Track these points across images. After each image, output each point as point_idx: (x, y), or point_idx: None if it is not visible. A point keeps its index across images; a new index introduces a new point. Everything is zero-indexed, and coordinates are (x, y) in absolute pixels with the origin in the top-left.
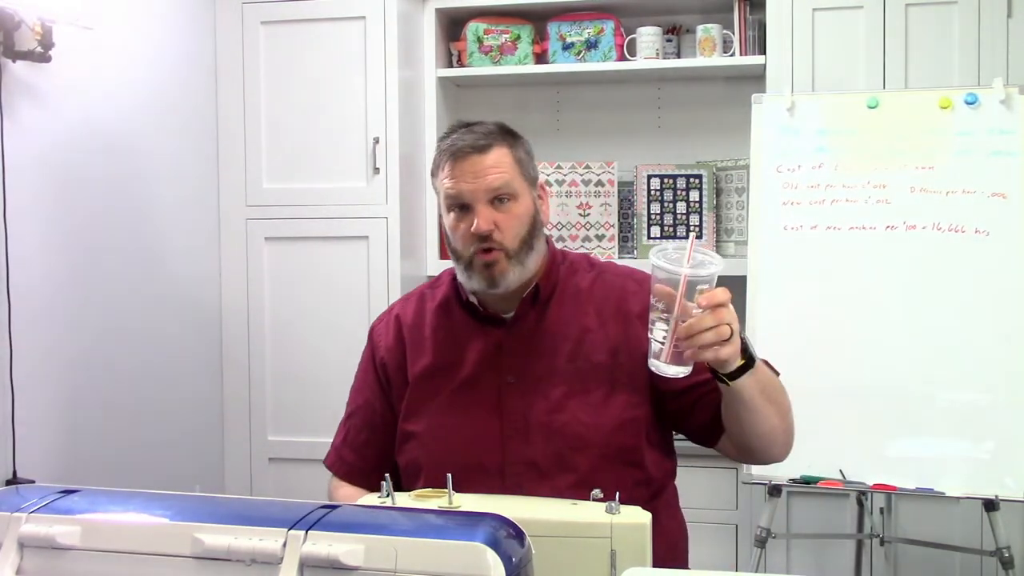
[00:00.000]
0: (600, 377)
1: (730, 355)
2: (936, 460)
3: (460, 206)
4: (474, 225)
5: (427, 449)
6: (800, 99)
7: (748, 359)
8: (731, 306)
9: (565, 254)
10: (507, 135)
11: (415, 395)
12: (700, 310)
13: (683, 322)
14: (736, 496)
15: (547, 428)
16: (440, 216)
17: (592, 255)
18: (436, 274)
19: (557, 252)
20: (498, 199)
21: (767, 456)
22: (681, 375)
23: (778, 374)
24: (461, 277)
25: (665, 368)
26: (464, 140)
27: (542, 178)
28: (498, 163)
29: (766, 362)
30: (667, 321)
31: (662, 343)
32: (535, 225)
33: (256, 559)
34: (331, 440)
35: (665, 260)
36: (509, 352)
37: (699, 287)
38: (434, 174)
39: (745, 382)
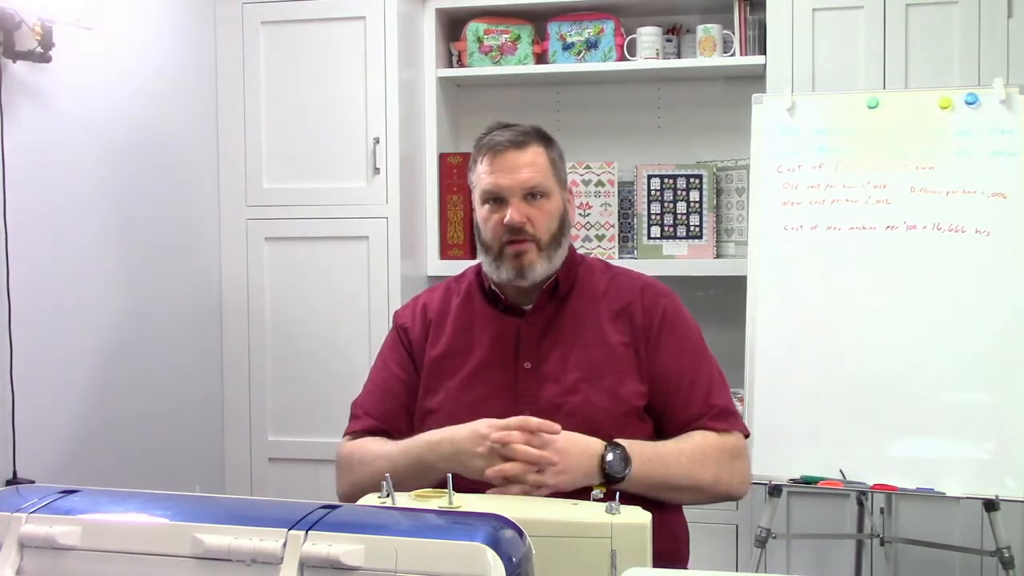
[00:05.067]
0: (612, 364)
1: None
2: (936, 460)
3: (495, 199)
4: (507, 216)
5: (444, 425)
6: (800, 99)
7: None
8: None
9: (583, 257)
10: (543, 136)
11: (433, 374)
12: None
13: None
14: None
15: (560, 409)
16: (472, 210)
17: (607, 259)
18: (436, 274)
19: (576, 254)
20: (531, 195)
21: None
22: None
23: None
24: (488, 268)
25: None
26: (503, 136)
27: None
28: (534, 161)
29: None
30: None
31: None
32: (564, 223)
33: (256, 559)
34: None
35: None
36: (527, 340)
37: None
38: (471, 168)
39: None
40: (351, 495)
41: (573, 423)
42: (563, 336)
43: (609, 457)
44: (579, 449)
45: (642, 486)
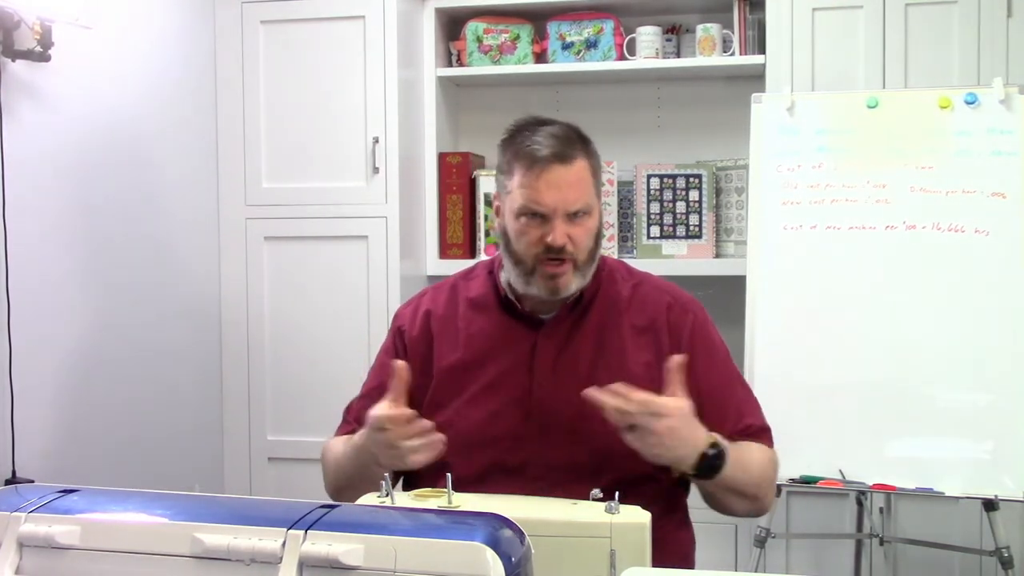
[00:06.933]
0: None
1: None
2: (936, 460)
3: (535, 215)
4: (551, 237)
5: (453, 443)
6: (800, 99)
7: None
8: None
9: (604, 260)
10: (584, 143)
11: (443, 388)
12: None
13: None
14: None
15: (574, 433)
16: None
17: (629, 263)
18: (435, 274)
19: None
20: (574, 214)
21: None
22: None
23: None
24: (517, 281)
25: None
26: (547, 147)
27: None
28: (580, 179)
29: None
30: None
31: None
32: (599, 237)
33: (255, 559)
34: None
35: None
36: (543, 354)
37: None
38: (503, 171)
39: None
40: (332, 496)
41: (587, 449)
42: (582, 352)
43: (711, 454)
44: (686, 434)
45: (717, 487)
